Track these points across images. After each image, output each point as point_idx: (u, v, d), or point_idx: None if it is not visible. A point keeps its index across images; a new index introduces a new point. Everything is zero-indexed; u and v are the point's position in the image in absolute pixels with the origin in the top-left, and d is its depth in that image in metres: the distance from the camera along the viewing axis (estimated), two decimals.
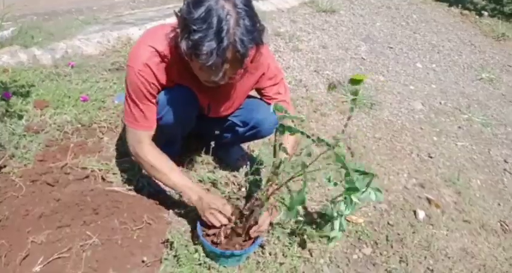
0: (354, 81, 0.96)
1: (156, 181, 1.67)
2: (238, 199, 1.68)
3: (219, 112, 1.67)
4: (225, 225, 1.45)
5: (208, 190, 1.64)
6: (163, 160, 1.53)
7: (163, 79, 1.43)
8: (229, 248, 1.45)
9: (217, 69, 1.19)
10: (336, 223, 1.53)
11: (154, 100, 1.47)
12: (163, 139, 1.83)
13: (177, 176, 1.52)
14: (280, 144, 1.27)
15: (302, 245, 1.65)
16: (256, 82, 1.60)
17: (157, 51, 1.36)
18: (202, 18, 1.12)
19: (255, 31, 1.17)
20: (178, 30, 1.23)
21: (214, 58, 1.15)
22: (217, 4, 1.12)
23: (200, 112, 1.67)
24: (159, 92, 1.47)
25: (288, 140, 1.57)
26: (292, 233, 1.67)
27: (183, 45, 1.18)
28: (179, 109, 1.51)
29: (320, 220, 1.76)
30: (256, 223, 1.44)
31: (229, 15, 1.12)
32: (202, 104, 1.62)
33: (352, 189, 1.17)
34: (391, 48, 3.72)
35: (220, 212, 1.44)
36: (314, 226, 1.72)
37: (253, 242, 1.47)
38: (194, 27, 1.13)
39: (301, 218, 1.73)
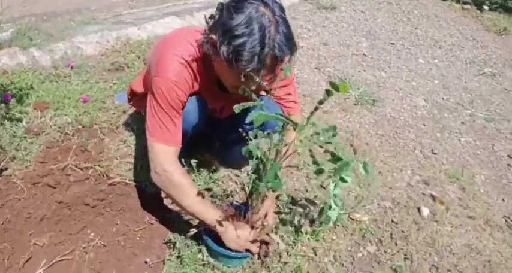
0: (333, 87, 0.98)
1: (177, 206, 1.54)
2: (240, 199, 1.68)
3: (231, 113, 1.66)
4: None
5: (231, 216, 1.51)
6: (189, 180, 1.43)
7: (193, 88, 1.42)
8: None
9: (256, 75, 1.20)
10: (326, 206, 1.41)
11: (180, 113, 1.41)
12: None
13: (198, 208, 1.41)
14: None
15: (297, 231, 1.65)
16: (268, 81, 1.59)
17: (186, 60, 1.35)
18: (245, 24, 1.14)
19: (292, 38, 1.21)
20: (211, 36, 1.22)
21: (256, 63, 1.16)
22: (258, 11, 1.15)
23: (211, 115, 1.66)
24: (184, 104, 1.42)
25: (289, 136, 1.58)
26: (294, 228, 1.66)
27: (223, 50, 1.18)
28: (190, 118, 1.50)
29: (313, 207, 1.77)
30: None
31: (270, 22, 1.15)
32: (215, 108, 1.62)
33: (337, 160, 1.15)
34: (393, 44, 3.70)
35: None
36: (306, 211, 1.73)
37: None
38: (237, 33, 1.15)
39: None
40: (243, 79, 1.21)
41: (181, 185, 1.38)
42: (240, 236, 1.42)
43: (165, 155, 1.39)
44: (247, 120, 1.15)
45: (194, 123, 1.56)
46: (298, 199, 1.84)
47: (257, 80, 1.22)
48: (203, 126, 1.66)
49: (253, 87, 1.27)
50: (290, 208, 1.77)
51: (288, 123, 1.16)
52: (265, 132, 1.71)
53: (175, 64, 1.35)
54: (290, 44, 1.20)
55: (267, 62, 1.19)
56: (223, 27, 1.17)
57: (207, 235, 1.45)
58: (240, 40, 1.14)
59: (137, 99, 1.77)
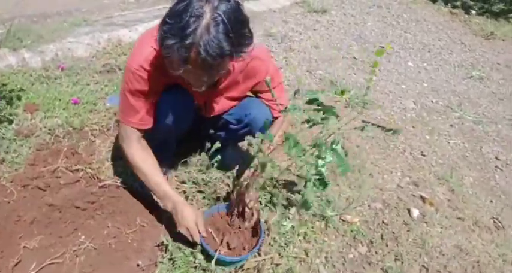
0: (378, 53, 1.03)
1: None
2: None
3: (215, 111, 1.66)
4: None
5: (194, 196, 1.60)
6: (149, 162, 1.51)
7: (160, 79, 1.42)
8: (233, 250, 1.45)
9: (178, 66, 1.16)
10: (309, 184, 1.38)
11: (149, 100, 1.45)
12: (158, 141, 1.82)
13: (157, 181, 1.50)
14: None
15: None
16: (253, 85, 1.60)
17: (156, 50, 1.34)
18: (177, 12, 1.11)
19: (226, 42, 1.11)
20: None
21: (175, 53, 1.13)
22: (197, 2, 1.10)
23: (198, 113, 1.66)
24: (155, 92, 1.45)
25: (277, 121, 1.64)
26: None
27: (158, 35, 1.17)
28: (176, 113, 1.51)
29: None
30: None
31: (201, 17, 1.09)
32: (198, 103, 1.62)
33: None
34: (383, 47, 3.74)
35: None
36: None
37: (254, 246, 1.48)
38: (167, 19, 1.13)
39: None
40: (180, 71, 1.18)
41: (140, 167, 1.50)
42: (184, 217, 1.44)
43: (127, 137, 1.49)
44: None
45: (180, 118, 1.56)
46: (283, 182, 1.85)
47: (187, 76, 1.20)
48: (191, 122, 1.66)
49: (199, 88, 1.28)
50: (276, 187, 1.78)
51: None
52: (254, 132, 1.73)
53: (145, 52, 1.35)
54: (220, 45, 1.11)
55: (191, 56, 1.12)
56: (166, 13, 1.17)
57: (202, 239, 1.45)
58: (166, 26, 1.12)
59: None
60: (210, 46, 1.10)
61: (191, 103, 1.55)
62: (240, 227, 1.53)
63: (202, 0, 1.11)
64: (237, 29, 1.15)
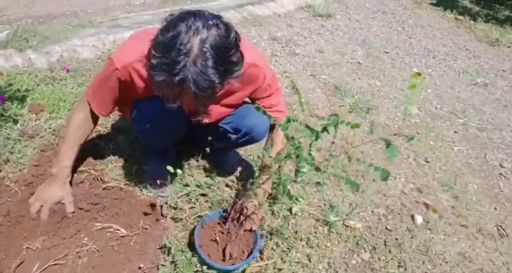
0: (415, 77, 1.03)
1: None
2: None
3: (210, 118, 1.65)
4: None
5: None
6: (76, 133, 1.55)
7: (142, 86, 1.41)
8: (230, 256, 1.44)
9: (171, 99, 1.17)
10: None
11: (118, 97, 1.48)
12: (153, 149, 1.81)
13: (62, 149, 1.56)
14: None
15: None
16: (250, 93, 1.57)
17: (144, 56, 1.32)
18: (164, 45, 1.10)
19: (215, 75, 1.10)
20: None
21: (166, 90, 1.14)
22: (185, 35, 1.08)
23: (191, 118, 1.64)
24: (128, 95, 1.47)
25: (278, 134, 1.62)
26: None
27: (147, 64, 1.17)
28: (165, 118, 1.48)
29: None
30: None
31: (189, 52, 1.07)
32: (190, 110, 1.60)
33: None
34: (387, 52, 3.74)
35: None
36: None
37: (249, 255, 1.47)
38: (154, 52, 1.12)
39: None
40: (175, 104, 1.19)
41: (68, 129, 1.56)
42: (42, 195, 1.53)
43: (83, 108, 1.53)
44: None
45: (169, 126, 1.55)
46: None
47: (178, 104, 1.19)
48: (183, 128, 1.64)
49: (191, 107, 1.29)
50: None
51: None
52: (254, 140, 1.72)
53: (131, 55, 1.34)
54: (209, 80, 1.10)
55: (182, 91, 1.12)
56: (153, 41, 1.15)
57: (199, 248, 1.45)
58: (154, 61, 1.11)
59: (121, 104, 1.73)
60: (199, 81, 1.09)
61: (181, 109, 1.53)
62: (237, 234, 1.51)
63: (189, 32, 1.08)
64: (226, 58, 1.14)
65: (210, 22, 1.11)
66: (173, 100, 1.17)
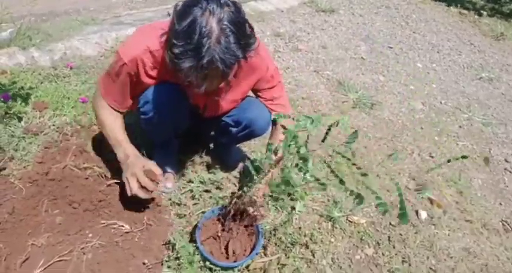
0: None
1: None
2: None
3: (215, 112, 1.66)
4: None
5: (143, 155, 1.62)
6: (112, 119, 1.54)
7: (148, 78, 1.43)
8: (233, 253, 1.45)
9: (198, 84, 1.20)
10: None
11: (130, 90, 1.48)
12: (157, 140, 1.82)
13: (113, 138, 1.53)
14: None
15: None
16: (254, 83, 1.59)
17: (150, 50, 1.35)
18: (184, 33, 1.11)
19: (238, 49, 1.14)
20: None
21: (194, 75, 1.15)
22: (201, 18, 1.09)
23: (195, 112, 1.65)
24: (141, 86, 1.47)
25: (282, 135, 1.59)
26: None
27: (167, 56, 1.18)
28: (168, 108, 1.50)
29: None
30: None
31: (210, 33, 1.09)
32: (198, 104, 1.61)
33: None
34: (391, 47, 3.72)
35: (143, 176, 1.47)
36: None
37: (251, 252, 1.47)
38: (175, 41, 1.12)
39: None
40: (202, 87, 1.22)
41: (105, 127, 1.54)
42: (134, 169, 1.48)
43: (101, 105, 1.52)
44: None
45: (173, 116, 1.55)
46: None
47: (202, 88, 1.21)
48: (187, 119, 1.65)
49: (209, 90, 1.28)
50: None
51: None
52: (254, 134, 1.71)
53: (138, 48, 1.35)
54: (234, 53, 1.13)
55: (208, 73, 1.15)
56: (169, 31, 1.16)
57: (201, 245, 1.46)
58: (178, 49, 1.12)
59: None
60: (226, 58, 1.12)
61: (184, 98, 1.53)
62: (238, 230, 1.51)
63: (204, 14, 1.10)
64: (243, 32, 1.17)
65: (221, 1, 1.13)
66: (200, 84, 1.20)
